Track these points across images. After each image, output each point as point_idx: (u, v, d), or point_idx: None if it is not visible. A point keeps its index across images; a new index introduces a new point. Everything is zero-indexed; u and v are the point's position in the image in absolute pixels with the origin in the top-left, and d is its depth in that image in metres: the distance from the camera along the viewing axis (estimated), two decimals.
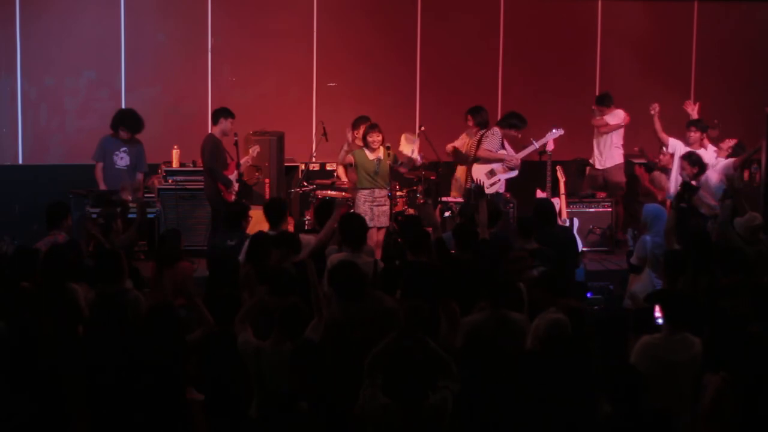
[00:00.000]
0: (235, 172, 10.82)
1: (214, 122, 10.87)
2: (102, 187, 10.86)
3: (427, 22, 13.42)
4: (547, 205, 9.61)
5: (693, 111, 11.73)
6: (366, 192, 10.55)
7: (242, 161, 10.96)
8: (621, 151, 12.16)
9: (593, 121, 12.13)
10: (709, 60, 13.99)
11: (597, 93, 12.83)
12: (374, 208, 10.52)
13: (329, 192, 11.65)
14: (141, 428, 6.13)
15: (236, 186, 10.81)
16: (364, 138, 10.77)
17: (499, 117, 12.69)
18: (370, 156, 10.56)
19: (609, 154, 12.11)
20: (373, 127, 10.82)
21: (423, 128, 12.06)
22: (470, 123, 11.46)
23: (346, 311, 6.63)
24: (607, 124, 12.03)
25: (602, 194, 12.11)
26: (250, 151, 11.12)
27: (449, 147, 11.64)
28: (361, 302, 6.67)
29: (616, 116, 12.07)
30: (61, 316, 6.69)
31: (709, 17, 14.00)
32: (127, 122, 11.00)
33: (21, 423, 6.30)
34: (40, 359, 6.35)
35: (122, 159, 10.99)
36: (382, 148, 10.65)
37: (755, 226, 8.59)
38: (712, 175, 10.87)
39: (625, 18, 13.88)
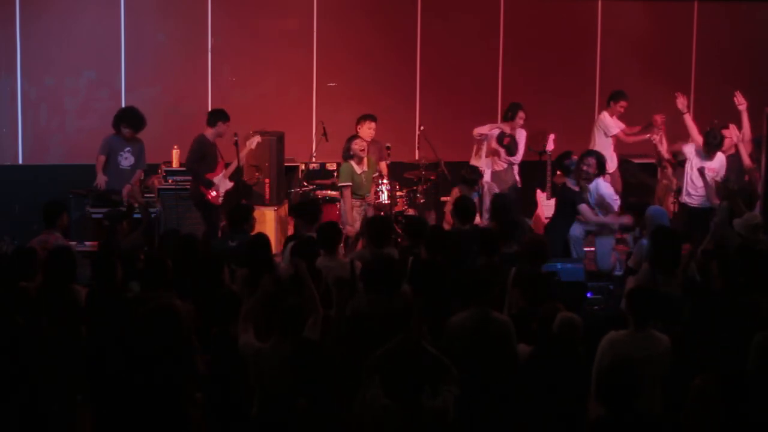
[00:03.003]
0: (222, 173, 10.78)
1: (211, 124, 10.83)
2: (100, 177, 10.81)
3: (427, 22, 13.41)
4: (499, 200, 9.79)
5: (683, 106, 11.52)
6: (356, 202, 10.91)
7: (242, 154, 10.93)
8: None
9: (621, 132, 12.08)
10: (709, 60, 13.97)
11: (597, 93, 12.81)
12: (358, 215, 10.83)
13: (329, 192, 11.68)
14: (141, 428, 6.13)
15: (220, 190, 10.75)
16: (348, 149, 10.83)
17: (499, 117, 12.70)
18: (358, 170, 10.72)
19: (611, 158, 12.11)
20: (354, 137, 10.91)
21: (423, 128, 12.07)
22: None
23: (374, 306, 6.68)
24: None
25: None
26: (248, 143, 11.07)
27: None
28: (390, 298, 6.70)
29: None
30: (63, 316, 6.69)
31: (709, 17, 13.98)
32: (129, 120, 10.98)
33: (21, 423, 6.31)
34: (40, 359, 6.36)
35: (126, 159, 10.97)
36: (365, 159, 10.77)
37: (755, 224, 8.59)
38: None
39: (625, 18, 13.86)
